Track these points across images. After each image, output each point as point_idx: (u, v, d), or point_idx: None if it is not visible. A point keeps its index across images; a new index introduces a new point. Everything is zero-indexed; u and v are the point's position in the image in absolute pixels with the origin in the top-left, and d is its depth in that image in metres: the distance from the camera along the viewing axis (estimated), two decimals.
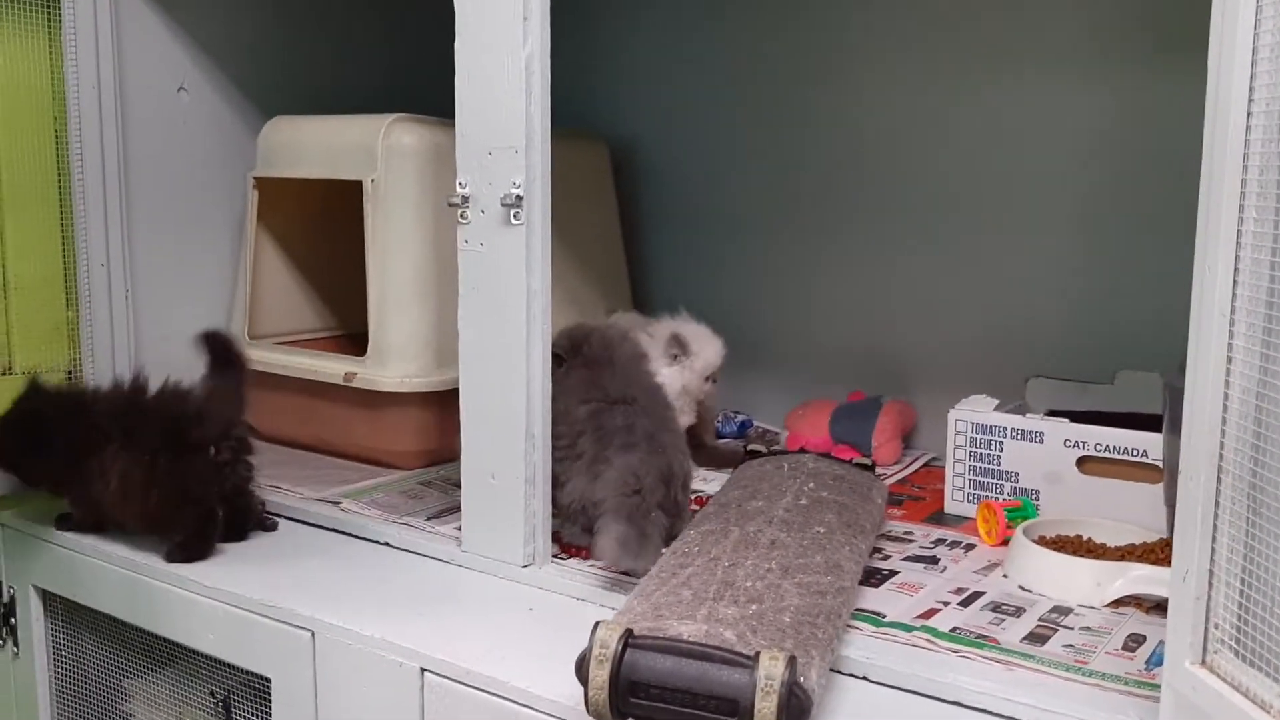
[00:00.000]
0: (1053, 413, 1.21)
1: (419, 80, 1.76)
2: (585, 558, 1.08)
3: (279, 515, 1.23)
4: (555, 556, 1.08)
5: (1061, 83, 1.36)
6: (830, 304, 1.57)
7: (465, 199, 1.03)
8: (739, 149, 1.62)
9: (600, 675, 0.74)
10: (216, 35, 1.49)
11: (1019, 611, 0.96)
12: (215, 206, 1.52)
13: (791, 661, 0.73)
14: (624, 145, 1.69)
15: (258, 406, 1.48)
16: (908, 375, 1.49)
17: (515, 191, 1.00)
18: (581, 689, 0.75)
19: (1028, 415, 1.19)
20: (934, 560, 1.09)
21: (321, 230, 1.56)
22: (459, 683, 0.89)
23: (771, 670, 0.72)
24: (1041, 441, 1.16)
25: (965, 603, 0.98)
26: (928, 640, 0.89)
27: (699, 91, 1.64)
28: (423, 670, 0.91)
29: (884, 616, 0.94)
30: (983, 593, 1.00)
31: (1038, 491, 1.17)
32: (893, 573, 1.05)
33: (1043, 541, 1.06)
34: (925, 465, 1.42)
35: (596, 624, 0.77)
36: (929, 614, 0.95)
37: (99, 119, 1.35)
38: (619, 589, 1.00)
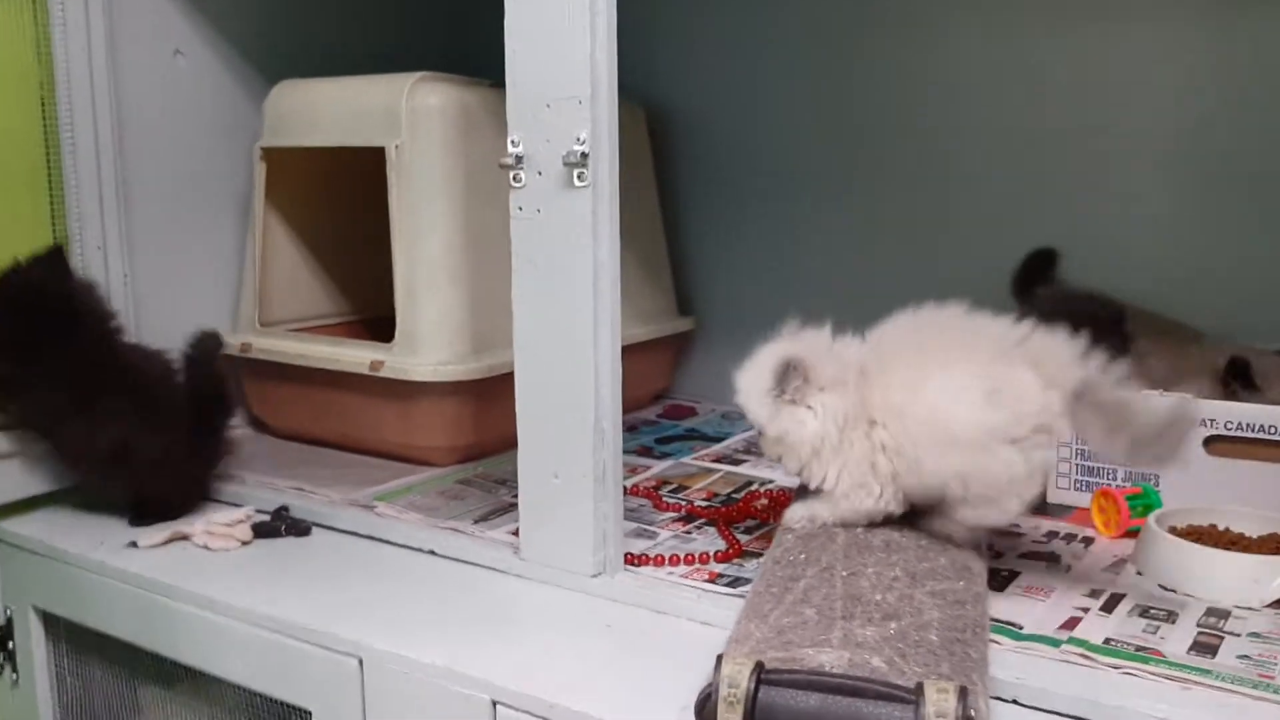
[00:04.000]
0: None
1: (434, 39, 1.64)
2: (661, 564, 0.96)
3: (306, 520, 1.10)
4: (627, 564, 0.95)
5: (1162, 29, 1.24)
6: (900, 279, 1.44)
7: (518, 159, 0.90)
8: (795, 110, 1.48)
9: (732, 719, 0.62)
10: None
11: (1171, 617, 0.84)
12: (218, 181, 1.38)
13: (963, 693, 0.61)
14: (661, 110, 1.55)
15: (271, 400, 1.36)
16: None
17: (579, 149, 0.86)
18: None
19: (1143, 393, 1.06)
20: (1053, 557, 0.97)
21: (335, 204, 1.42)
22: (542, 719, 0.76)
23: (942, 706, 0.60)
24: None
25: (1107, 608, 0.85)
26: (1082, 655, 0.77)
27: (746, 46, 1.51)
28: (494, 703, 0.79)
29: (1021, 627, 0.82)
30: (1122, 595, 0.88)
31: (1155, 477, 1.05)
32: (1013, 573, 0.92)
33: (1174, 533, 0.94)
34: None
35: (719, 657, 0.64)
36: (1071, 623, 0.83)
37: (90, 87, 1.22)
38: (708, 601, 0.88)
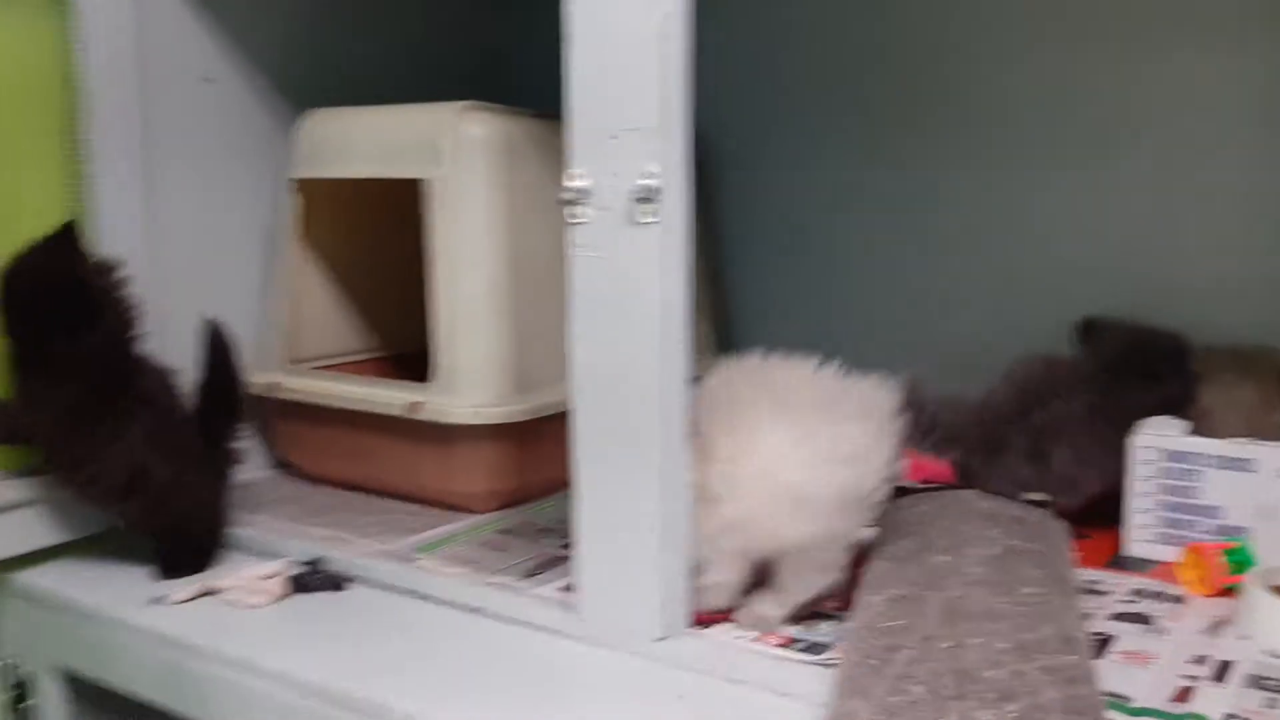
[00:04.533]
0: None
1: (466, 68, 1.59)
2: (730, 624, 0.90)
3: (342, 574, 1.04)
4: (694, 625, 0.89)
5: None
6: (954, 301, 1.38)
7: (581, 192, 0.85)
8: (847, 140, 1.43)
9: None
10: (244, 19, 1.30)
11: None
12: (244, 212, 1.32)
13: None
14: (705, 137, 1.50)
15: (301, 442, 1.30)
16: None
17: (649, 183, 0.81)
18: None
19: (1231, 440, 1.00)
20: (1143, 618, 0.90)
21: (364, 236, 1.37)
22: None
23: None
24: (1255, 470, 0.98)
25: (1218, 677, 0.79)
26: None
27: (794, 73, 1.46)
28: None
29: (1130, 700, 0.75)
30: (1231, 662, 0.82)
31: (1247, 530, 0.99)
32: (1107, 637, 0.86)
33: (1278, 593, 0.88)
34: None
35: None
36: (1183, 695, 0.76)
37: (118, 113, 1.17)
38: (786, 669, 0.82)
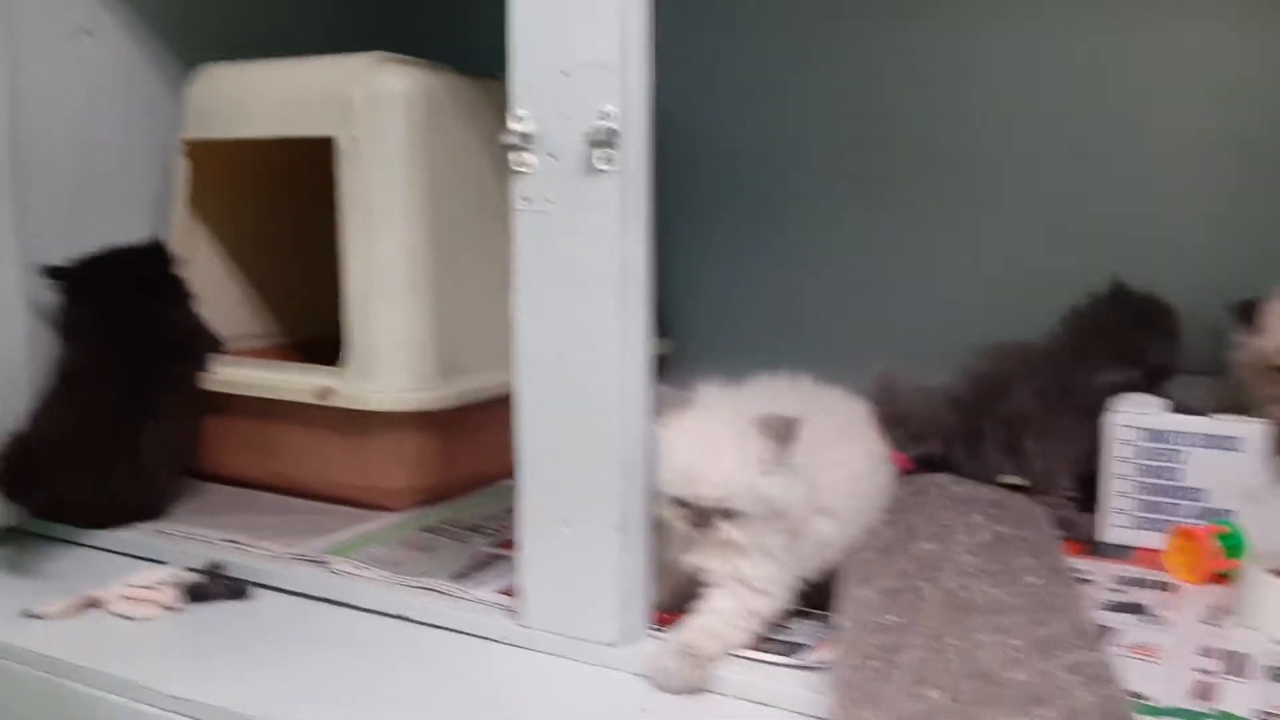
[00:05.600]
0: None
1: (380, 24, 1.46)
2: None
3: (245, 580, 0.91)
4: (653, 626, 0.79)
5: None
6: (899, 287, 1.30)
7: (525, 138, 0.74)
8: (786, 113, 1.34)
9: None
10: None
11: None
12: (130, 179, 1.18)
13: None
14: None
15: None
16: None
17: (606, 124, 0.71)
18: None
19: (1216, 417, 0.94)
20: (1139, 609, 0.84)
21: (270, 207, 1.24)
22: None
23: None
24: (1239, 449, 0.93)
25: (1232, 670, 0.72)
26: None
27: (734, 45, 1.36)
28: None
29: (1149, 699, 0.68)
30: (1243, 654, 0.75)
31: (1230, 513, 0.93)
32: (1102, 629, 0.79)
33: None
34: None
35: None
36: (1204, 691, 0.69)
37: None
38: (762, 674, 0.72)
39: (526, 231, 0.75)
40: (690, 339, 1.42)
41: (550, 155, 0.73)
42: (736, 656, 0.74)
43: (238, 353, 1.19)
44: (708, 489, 0.72)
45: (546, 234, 0.75)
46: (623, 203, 0.72)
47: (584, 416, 0.75)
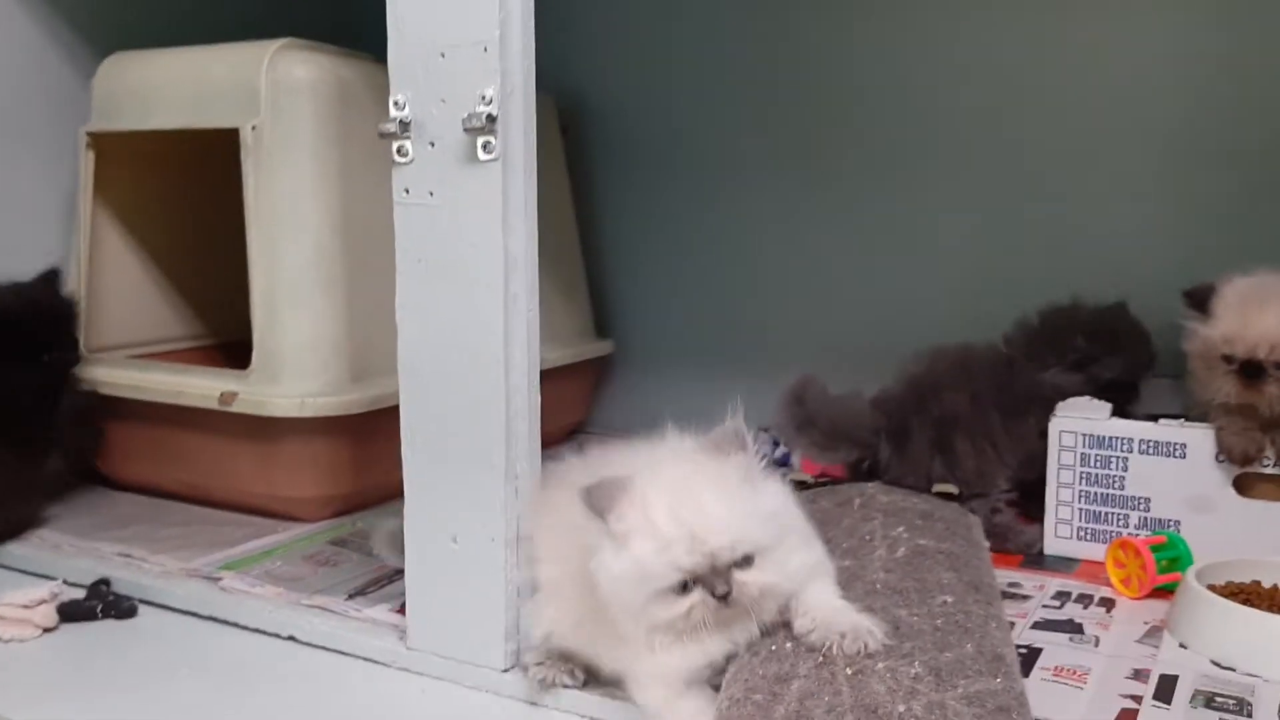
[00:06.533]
0: (1168, 417, 0.92)
1: (299, 8, 1.40)
2: None
3: (131, 597, 0.86)
4: None
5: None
6: (842, 286, 1.25)
7: (404, 125, 0.69)
8: (725, 104, 1.29)
9: None
10: None
11: (1245, 707, 0.66)
12: (34, 174, 1.13)
13: None
14: (572, 100, 1.35)
15: (103, 441, 1.11)
16: None
17: (485, 110, 0.66)
18: None
19: (1161, 421, 0.90)
20: (1073, 626, 0.79)
21: (184, 203, 1.19)
22: None
23: None
24: (1183, 456, 0.88)
25: (1162, 696, 0.67)
26: None
27: (664, 29, 1.31)
28: None
29: None
30: (1174, 676, 0.70)
31: (1177, 522, 0.88)
32: (1034, 650, 0.74)
33: (1215, 592, 0.77)
34: None
35: None
36: (1126, 719, 0.64)
37: None
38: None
39: (407, 225, 0.70)
40: (629, 339, 1.37)
41: (429, 144, 0.68)
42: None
43: (149, 356, 1.14)
44: (715, 538, 0.58)
45: (427, 226, 0.69)
46: (506, 193, 0.67)
47: (469, 422, 0.70)
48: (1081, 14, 1.11)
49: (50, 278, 1.02)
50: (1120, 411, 0.92)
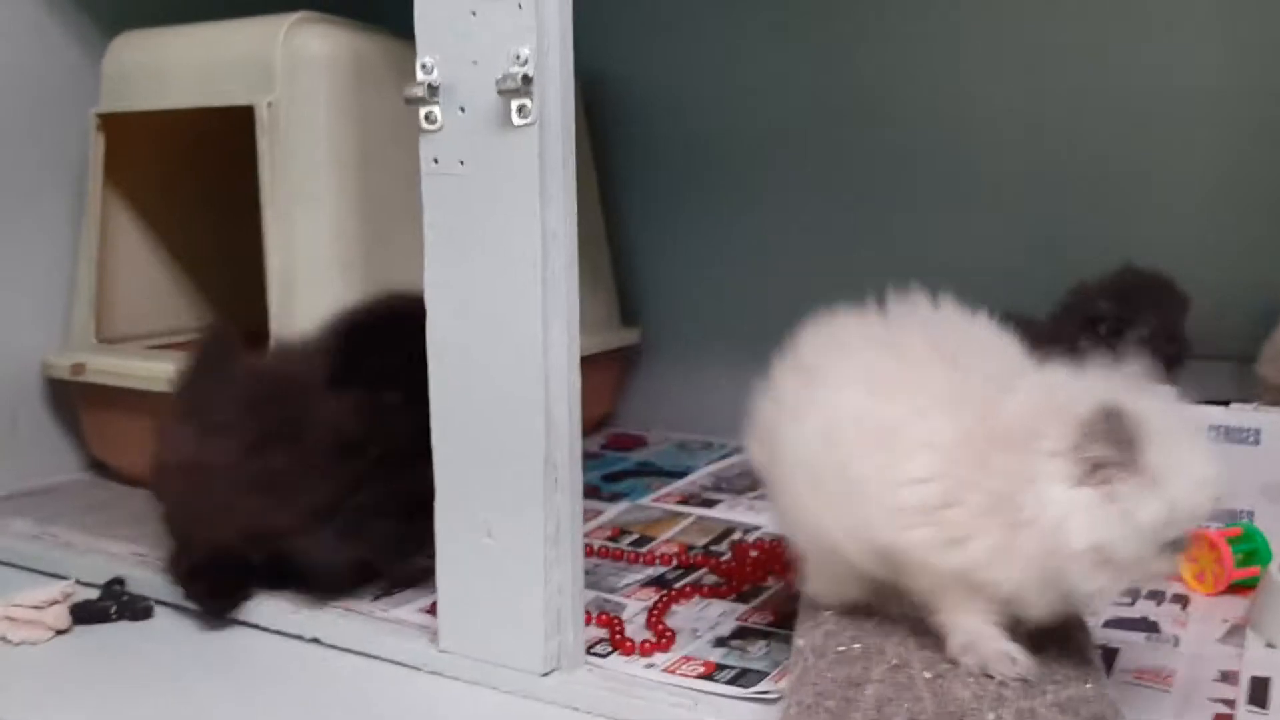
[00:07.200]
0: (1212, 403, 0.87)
1: None
2: (630, 651, 0.70)
3: (147, 597, 0.82)
4: (590, 652, 0.69)
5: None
6: (878, 276, 1.19)
7: (432, 89, 0.64)
8: (760, 88, 1.23)
9: None
10: None
11: None
12: (43, 157, 1.08)
13: None
14: (599, 82, 1.30)
15: (113, 436, 1.07)
16: None
17: (520, 70, 0.61)
18: None
19: (1233, 406, 0.84)
20: (1149, 625, 0.73)
21: (196, 187, 1.14)
22: None
23: None
24: (1256, 442, 0.82)
25: (1257, 700, 0.62)
26: None
27: (704, 12, 1.26)
28: None
29: None
30: (1266, 678, 0.65)
31: (1250, 512, 0.83)
32: (1110, 650, 0.69)
33: None
34: None
35: None
36: None
37: None
38: (709, 708, 0.62)
39: (436, 197, 0.66)
40: (659, 327, 1.32)
41: (460, 109, 0.64)
42: (680, 687, 0.64)
43: (165, 347, 1.10)
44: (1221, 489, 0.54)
45: (457, 198, 0.65)
46: (543, 161, 0.62)
47: (504, 407, 0.65)
48: (1129, 25, 1.06)
49: None
50: (1176, 360, 0.88)
